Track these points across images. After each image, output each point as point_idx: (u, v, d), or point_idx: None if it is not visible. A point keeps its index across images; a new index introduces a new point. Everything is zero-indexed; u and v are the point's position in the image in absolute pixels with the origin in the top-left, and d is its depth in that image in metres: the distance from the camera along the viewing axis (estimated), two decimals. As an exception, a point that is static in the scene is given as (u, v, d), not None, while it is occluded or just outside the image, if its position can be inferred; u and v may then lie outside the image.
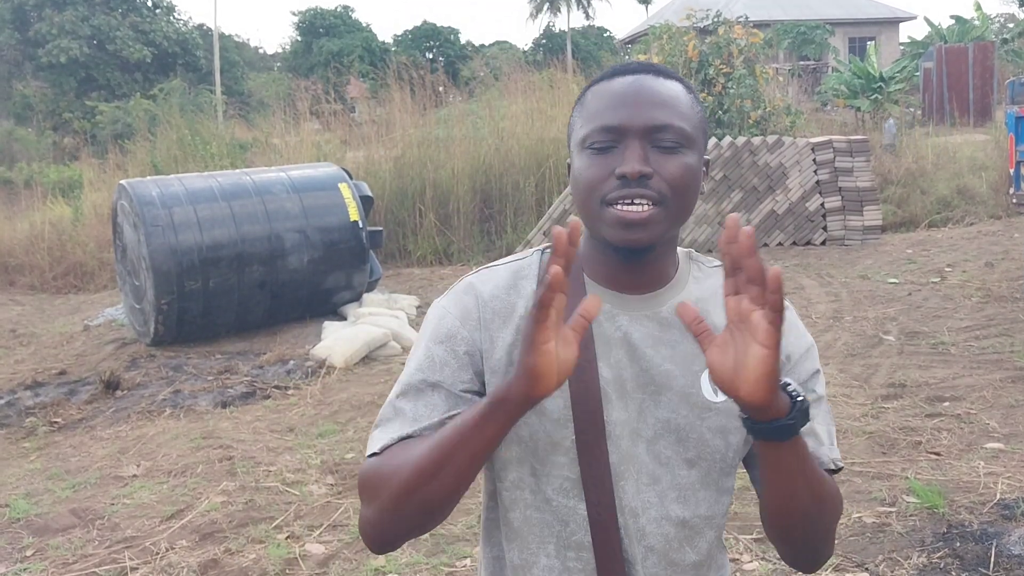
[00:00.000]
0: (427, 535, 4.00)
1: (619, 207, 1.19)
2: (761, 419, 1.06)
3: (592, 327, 1.23)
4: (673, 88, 1.24)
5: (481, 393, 1.25)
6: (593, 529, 1.25)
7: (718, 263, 1.30)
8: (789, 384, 1.10)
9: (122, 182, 8.33)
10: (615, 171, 1.19)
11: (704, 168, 1.26)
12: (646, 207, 1.18)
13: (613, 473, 1.24)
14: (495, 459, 1.30)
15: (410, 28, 52.68)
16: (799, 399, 1.09)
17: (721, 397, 1.23)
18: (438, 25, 52.07)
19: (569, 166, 1.31)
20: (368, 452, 1.29)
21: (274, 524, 4.24)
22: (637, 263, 1.26)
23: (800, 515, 1.18)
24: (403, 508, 1.18)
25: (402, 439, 1.24)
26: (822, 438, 1.28)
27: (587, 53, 47.63)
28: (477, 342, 1.27)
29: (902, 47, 33.59)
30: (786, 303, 1.22)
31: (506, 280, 1.31)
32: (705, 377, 1.24)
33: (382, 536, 1.23)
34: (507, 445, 1.27)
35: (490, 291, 1.29)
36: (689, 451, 1.26)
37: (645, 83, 1.23)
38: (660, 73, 1.25)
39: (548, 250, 1.31)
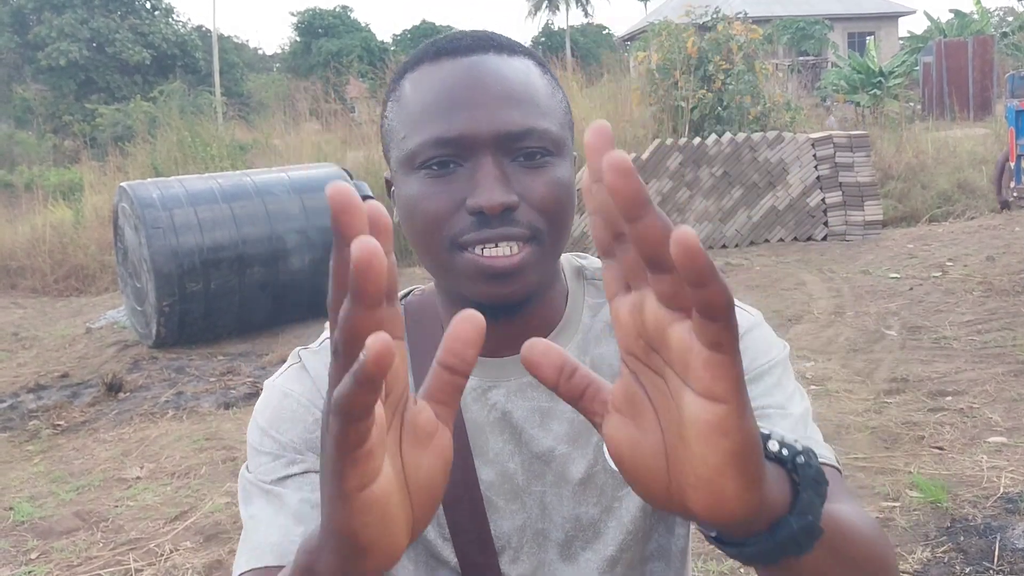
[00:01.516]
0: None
1: (478, 252, 0.86)
2: (742, 535, 0.60)
3: (460, 413, 0.91)
4: (525, 70, 0.90)
5: None
6: None
7: None
8: (772, 440, 0.64)
9: (123, 184, 8.34)
10: (466, 203, 0.86)
11: (574, 172, 0.93)
12: (516, 248, 0.86)
13: None
14: None
15: (409, 27, 52.73)
16: (799, 461, 0.63)
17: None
18: (437, 24, 52.11)
19: (388, 183, 0.97)
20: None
21: (278, 525, 4.25)
22: (508, 319, 0.92)
23: None
24: None
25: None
26: (796, 413, 0.95)
27: (586, 51, 47.64)
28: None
29: (901, 42, 33.57)
30: (745, 309, 0.98)
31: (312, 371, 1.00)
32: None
33: None
34: None
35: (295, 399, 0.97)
36: (609, 547, 0.96)
37: (487, 66, 0.88)
38: (503, 48, 0.91)
39: (409, 296, 1.02)
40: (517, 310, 0.92)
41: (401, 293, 1.01)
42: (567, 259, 1.02)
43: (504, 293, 0.87)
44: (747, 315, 0.99)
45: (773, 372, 0.95)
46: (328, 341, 0.80)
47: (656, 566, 0.99)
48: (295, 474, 0.91)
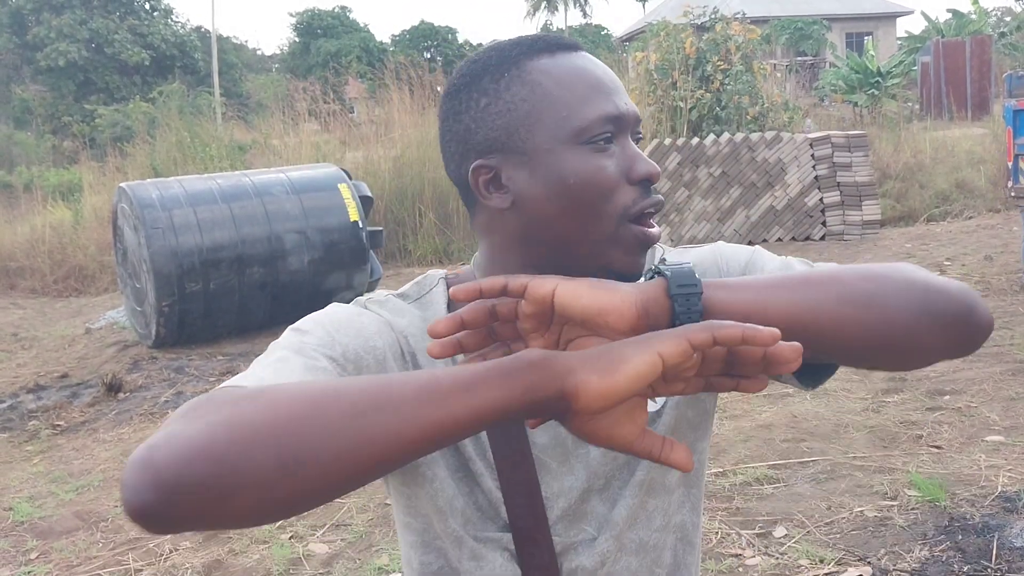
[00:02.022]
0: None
1: (645, 224, 0.95)
2: (663, 321, 0.84)
3: None
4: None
5: None
6: None
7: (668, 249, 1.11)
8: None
9: (122, 185, 8.35)
10: (631, 173, 0.94)
11: None
12: (656, 223, 0.96)
13: (557, 531, 1.02)
14: (411, 532, 1.07)
15: (408, 28, 52.71)
16: (665, 273, 0.85)
17: (658, 404, 1.03)
18: (436, 25, 52.08)
19: (487, 170, 0.97)
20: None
21: (277, 524, 4.25)
22: None
23: (829, 322, 0.89)
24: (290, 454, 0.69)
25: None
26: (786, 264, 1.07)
27: (591, 51, 47.56)
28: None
29: (899, 42, 33.60)
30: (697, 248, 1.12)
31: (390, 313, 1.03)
32: None
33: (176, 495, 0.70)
34: (431, 530, 1.04)
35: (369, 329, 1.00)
36: (639, 473, 1.04)
37: (594, 60, 0.99)
38: (582, 47, 1.02)
39: (448, 277, 1.07)
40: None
41: (441, 273, 1.08)
42: None
43: (641, 264, 0.96)
44: (703, 249, 1.11)
45: (755, 265, 1.07)
46: (391, 297, 1.04)
47: (679, 491, 1.08)
48: (324, 367, 0.91)
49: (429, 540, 1.05)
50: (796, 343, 0.76)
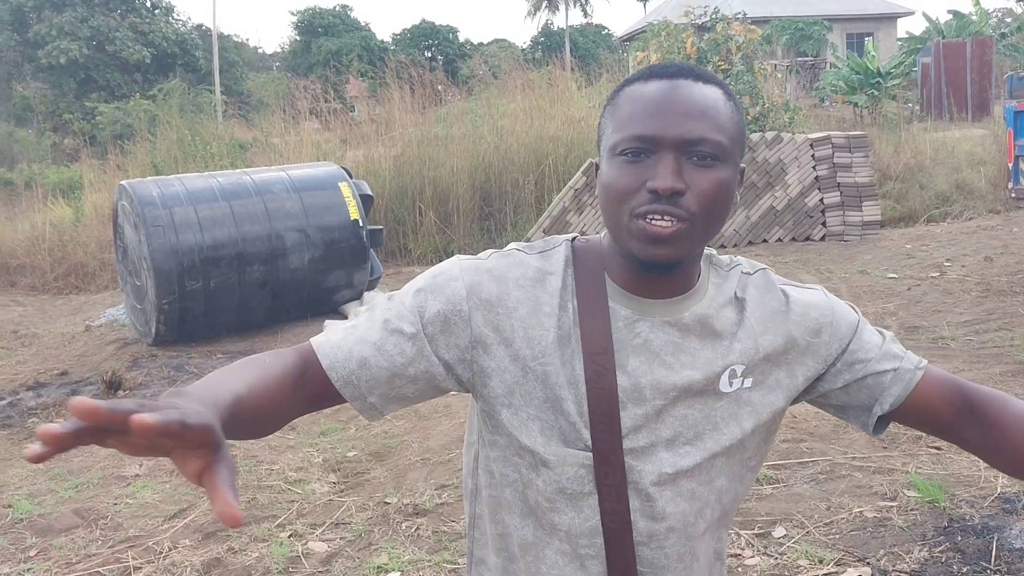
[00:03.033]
0: (430, 532, 4.02)
1: (647, 221, 1.14)
2: None
3: (612, 334, 1.21)
4: (712, 95, 1.18)
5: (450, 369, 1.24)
6: (606, 515, 1.24)
7: (733, 264, 1.32)
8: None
9: (122, 182, 8.35)
10: (647, 184, 1.14)
11: (739, 177, 1.22)
12: (674, 223, 1.13)
13: (629, 462, 1.22)
14: (495, 448, 1.28)
15: (409, 27, 52.70)
16: None
17: (733, 387, 1.24)
18: (437, 24, 52.08)
19: (596, 167, 1.25)
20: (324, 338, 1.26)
21: (277, 523, 4.26)
22: (660, 275, 1.22)
23: None
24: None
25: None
26: (890, 349, 1.30)
27: (585, 51, 47.65)
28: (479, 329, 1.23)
29: (900, 42, 33.59)
30: (809, 288, 1.34)
31: (516, 262, 1.27)
32: (726, 374, 1.24)
33: None
34: (515, 445, 1.25)
35: (516, 277, 1.25)
36: (707, 441, 1.24)
37: (682, 89, 1.16)
38: (700, 78, 1.19)
39: (576, 240, 1.31)
40: (667, 271, 1.21)
41: (569, 236, 1.31)
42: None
43: (659, 254, 1.15)
44: (817, 302, 1.34)
45: (862, 338, 1.32)
46: (514, 251, 1.29)
47: (730, 467, 1.29)
48: (409, 333, 1.22)
49: (510, 455, 1.26)
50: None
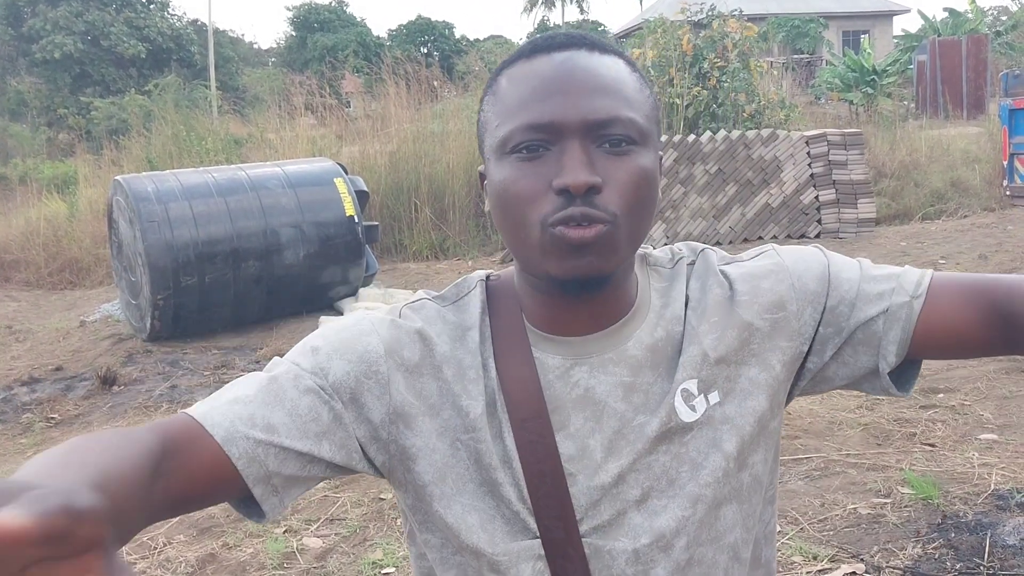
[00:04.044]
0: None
1: (560, 231, 0.90)
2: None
3: (543, 391, 0.98)
4: (615, 66, 0.95)
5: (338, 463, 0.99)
6: None
7: (676, 258, 1.07)
8: None
9: (117, 178, 8.33)
10: (552, 183, 0.90)
11: (660, 163, 1.00)
12: (595, 227, 0.90)
13: (590, 546, 0.99)
14: (431, 549, 1.06)
15: (404, 23, 52.69)
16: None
17: (697, 414, 0.99)
18: (432, 19, 52.01)
19: (481, 176, 1.02)
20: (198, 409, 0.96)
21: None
22: (590, 299, 0.99)
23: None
24: None
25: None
26: (885, 284, 1.02)
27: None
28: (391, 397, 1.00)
29: (896, 40, 33.62)
30: (769, 248, 1.09)
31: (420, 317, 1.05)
32: (678, 398, 0.99)
33: None
34: (454, 543, 1.01)
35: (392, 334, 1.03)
36: (685, 485, 1.00)
37: (578, 61, 0.94)
38: (595, 46, 0.96)
39: (490, 278, 1.08)
40: (596, 288, 0.97)
41: (482, 275, 1.08)
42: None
43: (583, 266, 0.91)
44: (766, 260, 1.07)
45: (840, 287, 1.03)
46: (426, 302, 1.05)
47: (730, 507, 1.02)
48: (313, 390, 0.98)
49: (449, 555, 1.03)
50: None
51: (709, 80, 13.14)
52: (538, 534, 0.98)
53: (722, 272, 1.04)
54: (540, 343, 1.00)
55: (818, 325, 1.02)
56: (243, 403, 0.95)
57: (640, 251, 1.05)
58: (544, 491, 0.97)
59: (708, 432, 1.00)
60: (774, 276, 1.03)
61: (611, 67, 0.95)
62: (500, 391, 0.99)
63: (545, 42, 0.97)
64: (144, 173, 9.22)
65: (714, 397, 1.00)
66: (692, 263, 1.06)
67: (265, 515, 0.96)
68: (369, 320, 1.05)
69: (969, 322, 0.99)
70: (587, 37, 0.97)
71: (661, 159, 1.01)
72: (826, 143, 11.46)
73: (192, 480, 0.89)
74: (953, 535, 3.59)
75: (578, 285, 0.95)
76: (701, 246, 1.09)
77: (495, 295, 1.04)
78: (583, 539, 0.98)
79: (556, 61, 0.94)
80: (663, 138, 11.29)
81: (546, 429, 0.97)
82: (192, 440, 0.90)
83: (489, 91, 0.99)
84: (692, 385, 0.99)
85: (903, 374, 1.04)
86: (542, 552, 0.98)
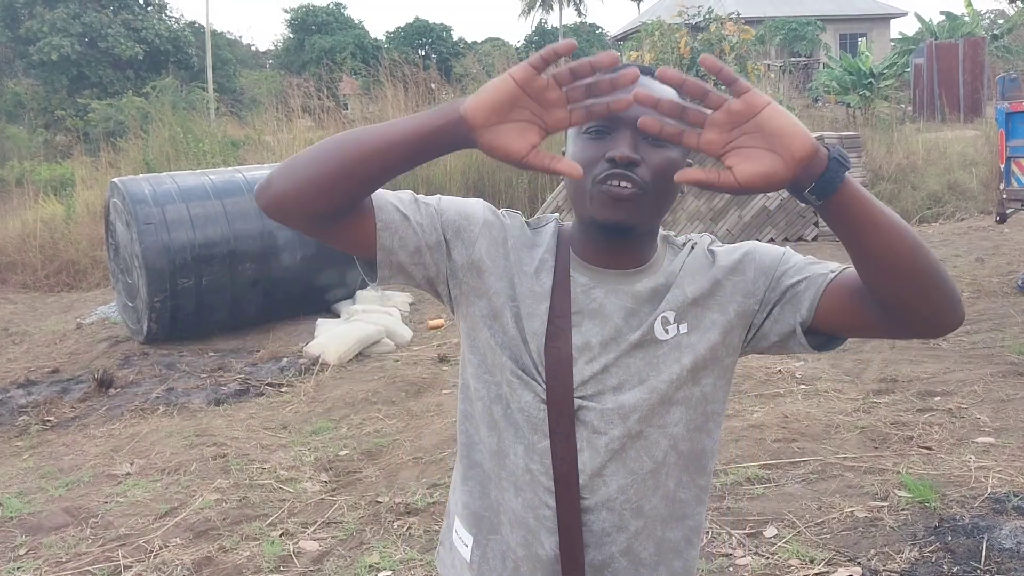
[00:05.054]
0: (422, 531, 4.02)
1: (608, 185, 1.29)
2: (816, 171, 1.15)
3: (571, 298, 1.39)
4: (666, 91, 1.31)
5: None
6: (554, 438, 1.40)
7: (688, 240, 1.47)
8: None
9: (114, 180, 8.32)
10: (606, 154, 1.30)
11: (687, 166, 1.32)
12: (630, 187, 1.29)
13: (577, 399, 1.39)
14: (470, 365, 1.47)
15: (402, 25, 52.66)
16: (831, 147, 1.19)
17: (669, 336, 1.39)
18: (430, 22, 52.06)
19: (563, 154, 1.38)
20: None
21: (268, 521, 4.25)
22: (618, 243, 1.38)
23: (905, 251, 1.22)
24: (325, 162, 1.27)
25: None
26: (817, 266, 1.40)
27: (579, 50, 47.49)
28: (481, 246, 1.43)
29: (893, 43, 33.65)
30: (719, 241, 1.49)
31: (522, 223, 1.48)
32: (658, 321, 1.39)
33: (286, 180, 1.31)
34: (486, 363, 1.45)
35: (513, 222, 1.47)
36: (650, 381, 1.39)
37: (641, 81, 1.31)
38: (657, 78, 1.30)
39: (560, 222, 1.49)
40: (626, 234, 1.36)
41: (556, 216, 1.50)
42: (660, 233, 1.46)
43: (618, 216, 1.31)
44: (740, 248, 1.45)
45: (786, 265, 1.41)
46: (516, 217, 1.49)
47: (679, 408, 1.41)
48: (433, 215, 1.41)
49: (482, 373, 1.45)
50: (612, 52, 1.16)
51: (706, 82, 13.14)
52: (544, 393, 1.38)
53: (710, 250, 1.45)
54: (578, 267, 1.41)
55: (766, 290, 1.40)
56: (399, 199, 1.39)
57: (664, 233, 1.46)
58: (555, 365, 1.38)
59: (674, 351, 1.40)
60: (741, 252, 1.44)
61: (664, 90, 1.30)
62: (546, 290, 1.40)
63: (625, 67, 1.31)
64: (141, 175, 9.21)
65: (683, 328, 1.39)
66: (695, 244, 1.47)
67: (377, 279, 1.40)
68: (481, 203, 1.46)
69: (857, 300, 1.33)
70: (652, 70, 1.32)
71: (690, 165, 1.34)
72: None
73: (356, 223, 1.35)
74: (950, 538, 3.58)
75: (612, 229, 1.34)
76: (710, 236, 1.49)
77: (560, 232, 1.46)
78: (575, 398, 1.39)
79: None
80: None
81: (566, 324, 1.39)
82: (369, 202, 1.35)
83: None
84: (670, 315, 1.39)
85: (819, 338, 1.40)
86: (544, 398, 1.39)
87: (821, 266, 1.40)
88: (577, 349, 1.39)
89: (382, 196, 1.36)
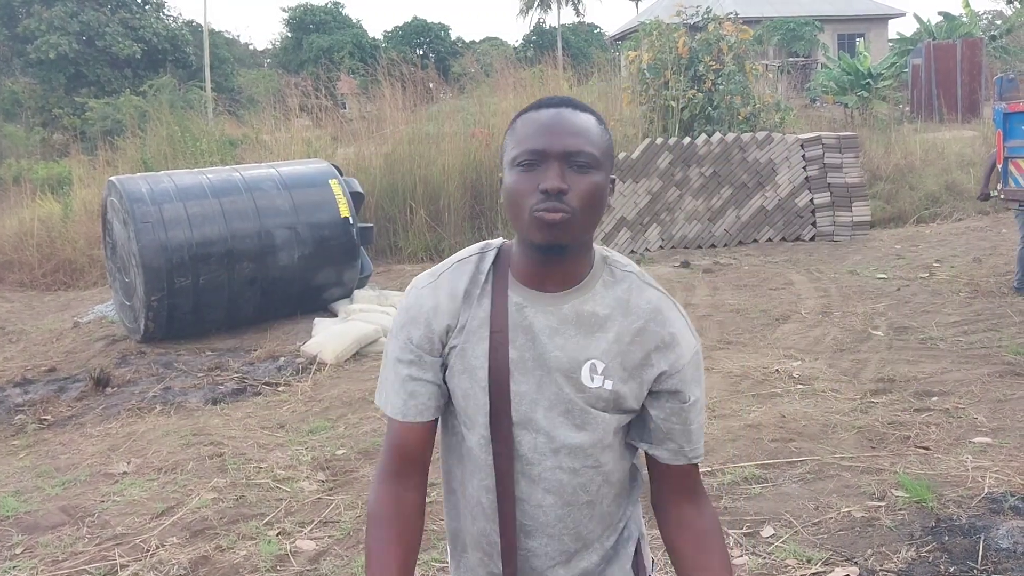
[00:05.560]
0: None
1: (541, 213, 1.43)
2: None
3: (507, 316, 1.54)
4: (587, 120, 1.49)
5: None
6: (497, 474, 1.56)
7: (629, 266, 1.58)
8: None
9: (112, 179, 8.31)
10: (539, 186, 1.44)
11: (611, 184, 1.52)
12: (560, 214, 1.43)
13: (515, 431, 1.54)
14: (447, 413, 1.63)
15: (400, 24, 52.65)
16: None
17: (594, 383, 1.51)
18: (428, 21, 52.06)
19: (501, 180, 1.56)
20: (385, 412, 1.62)
21: (265, 521, 4.25)
22: (553, 263, 1.51)
23: None
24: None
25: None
26: (693, 431, 1.57)
27: (578, 50, 47.62)
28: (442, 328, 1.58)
29: (891, 44, 33.66)
30: (669, 301, 1.58)
31: (458, 269, 1.61)
32: (587, 367, 1.51)
33: None
34: (451, 409, 1.62)
35: (449, 280, 1.60)
36: (576, 419, 1.53)
37: (564, 115, 1.48)
38: (576, 107, 1.51)
39: (493, 248, 1.62)
40: (560, 253, 1.48)
41: (499, 241, 1.63)
42: (599, 249, 1.59)
43: (551, 238, 1.44)
44: (692, 342, 1.58)
45: (691, 363, 1.56)
46: (461, 262, 1.60)
47: (608, 452, 1.57)
48: (410, 360, 1.58)
49: (449, 415, 1.63)
50: None
51: (704, 83, 13.15)
52: (488, 411, 1.53)
53: (651, 312, 1.54)
54: (515, 288, 1.54)
55: (662, 400, 1.56)
56: (393, 388, 1.58)
57: (606, 253, 1.59)
58: (497, 378, 1.52)
59: (598, 399, 1.52)
60: (676, 340, 1.54)
61: (585, 120, 1.49)
62: (491, 311, 1.54)
63: (546, 101, 1.52)
64: (139, 174, 9.19)
65: (608, 384, 1.51)
66: (646, 285, 1.57)
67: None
68: (417, 293, 1.59)
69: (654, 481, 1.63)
70: (573, 101, 1.52)
71: (613, 181, 1.53)
72: (821, 146, 11.48)
73: (416, 436, 1.58)
74: (947, 538, 3.59)
75: (547, 249, 1.47)
76: (657, 287, 1.59)
77: (501, 255, 1.60)
78: (513, 431, 1.54)
79: (551, 113, 1.48)
80: (658, 140, 11.33)
81: (504, 339, 1.53)
82: (398, 431, 1.59)
83: (510, 128, 1.53)
84: (599, 365, 1.51)
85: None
86: (487, 435, 1.55)
87: (683, 439, 1.57)
88: (513, 363, 1.53)
89: (390, 407, 1.60)
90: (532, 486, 1.56)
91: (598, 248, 1.60)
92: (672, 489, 1.60)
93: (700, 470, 1.63)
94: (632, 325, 1.52)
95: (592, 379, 1.51)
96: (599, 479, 1.57)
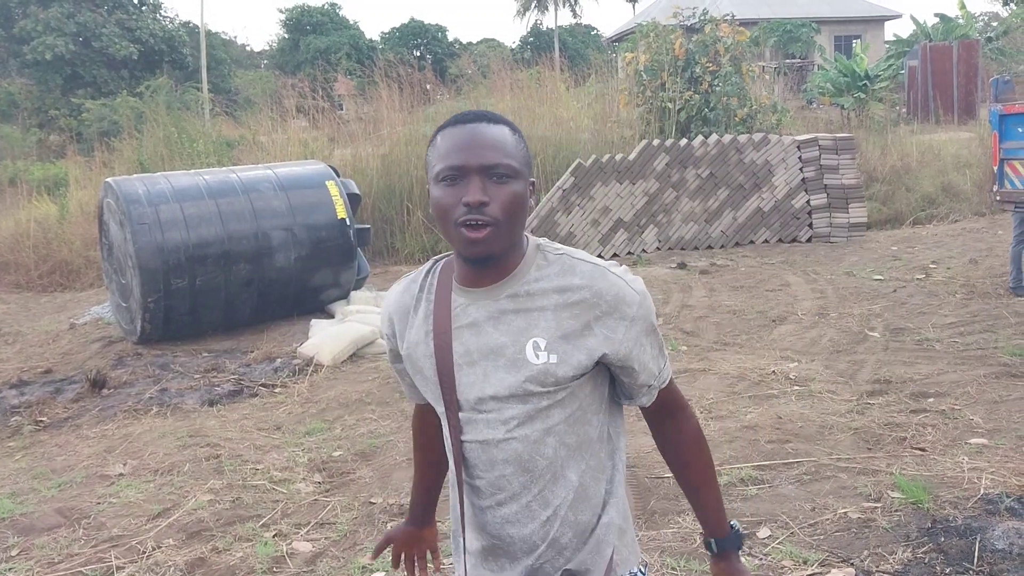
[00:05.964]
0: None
1: (464, 229, 1.55)
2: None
3: (451, 315, 1.66)
4: (502, 132, 1.60)
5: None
6: (457, 453, 1.69)
7: (561, 249, 1.67)
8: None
9: (108, 180, 8.30)
10: (462, 200, 1.54)
11: (531, 189, 1.63)
12: (483, 228, 1.54)
13: (463, 418, 1.67)
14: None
15: (397, 25, 52.62)
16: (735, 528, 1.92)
17: (539, 360, 1.60)
18: (425, 23, 52.04)
19: (428, 191, 1.67)
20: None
21: (261, 522, 4.24)
22: (487, 266, 1.62)
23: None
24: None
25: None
26: (652, 370, 1.68)
27: (575, 51, 47.66)
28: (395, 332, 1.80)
29: (887, 45, 33.70)
30: (602, 268, 1.65)
31: (403, 286, 1.79)
32: (530, 345, 1.60)
33: None
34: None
35: (395, 298, 1.80)
36: (518, 392, 1.62)
37: (480, 129, 1.58)
38: (491, 120, 1.61)
39: (440, 261, 1.76)
40: (487, 262, 1.61)
41: (444, 255, 1.76)
42: (533, 239, 1.69)
43: (477, 252, 1.56)
44: (633, 293, 1.65)
45: (637, 318, 1.65)
46: (411, 275, 1.78)
47: (556, 411, 1.64)
48: (393, 360, 1.84)
49: (429, 408, 1.85)
50: None
51: (701, 84, 13.15)
52: (442, 398, 1.68)
53: (580, 274, 1.63)
54: (458, 291, 1.67)
55: (621, 345, 1.64)
56: (399, 378, 1.88)
57: (539, 241, 1.69)
58: (444, 373, 1.66)
59: (543, 374, 1.61)
60: (617, 300, 1.63)
61: (499, 133, 1.59)
62: (432, 316, 1.69)
63: (462, 117, 1.61)
64: (135, 175, 9.19)
65: (553, 358, 1.60)
66: (561, 254, 1.66)
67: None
68: (384, 301, 1.80)
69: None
70: (487, 114, 1.62)
71: (532, 184, 1.65)
72: (817, 147, 11.49)
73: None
74: (943, 539, 3.59)
75: (475, 261, 1.60)
76: (593, 260, 1.66)
77: (444, 266, 1.74)
78: (464, 410, 1.67)
79: (468, 128, 1.58)
80: (655, 142, 11.33)
81: (448, 339, 1.66)
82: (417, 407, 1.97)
83: (431, 143, 1.63)
84: (541, 342, 1.60)
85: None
86: (447, 418, 1.69)
87: (651, 379, 1.69)
88: (459, 355, 1.65)
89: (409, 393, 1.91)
90: (491, 459, 1.66)
91: (532, 238, 1.70)
92: (655, 411, 1.74)
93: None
94: (569, 299, 1.61)
95: (537, 356, 1.60)
96: (552, 440, 1.65)
